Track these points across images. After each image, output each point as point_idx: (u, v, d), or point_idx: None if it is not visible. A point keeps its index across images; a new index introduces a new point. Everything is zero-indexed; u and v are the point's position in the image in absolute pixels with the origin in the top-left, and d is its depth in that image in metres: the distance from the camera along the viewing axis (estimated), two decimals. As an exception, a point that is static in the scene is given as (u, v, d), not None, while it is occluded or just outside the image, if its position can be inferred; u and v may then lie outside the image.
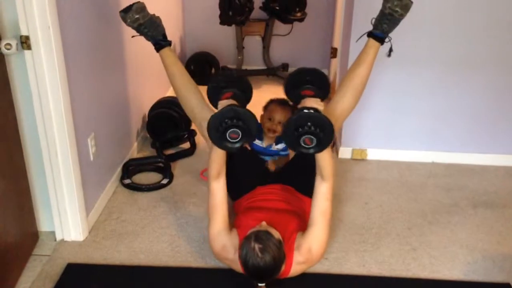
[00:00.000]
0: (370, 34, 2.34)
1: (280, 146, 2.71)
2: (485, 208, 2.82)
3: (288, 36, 4.93)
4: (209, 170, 2.23)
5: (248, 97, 2.37)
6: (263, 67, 5.01)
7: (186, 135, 3.43)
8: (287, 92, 2.38)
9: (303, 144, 1.98)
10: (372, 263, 2.35)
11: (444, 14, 3.01)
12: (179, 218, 2.66)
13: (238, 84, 2.33)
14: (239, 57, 4.97)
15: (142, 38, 2.45)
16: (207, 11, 4.85)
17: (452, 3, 2.98)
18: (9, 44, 1.99)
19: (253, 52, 5.07)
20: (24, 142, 2.26)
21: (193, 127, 3.41)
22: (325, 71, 4.71)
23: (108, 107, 2.82)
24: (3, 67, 2.06)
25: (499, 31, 3.01)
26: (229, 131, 2.00)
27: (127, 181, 2.95)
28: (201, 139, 3.02)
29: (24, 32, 2.04)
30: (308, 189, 2.22)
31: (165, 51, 2.45)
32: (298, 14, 4.53)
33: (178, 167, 3.21)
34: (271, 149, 2.65)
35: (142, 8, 2.35)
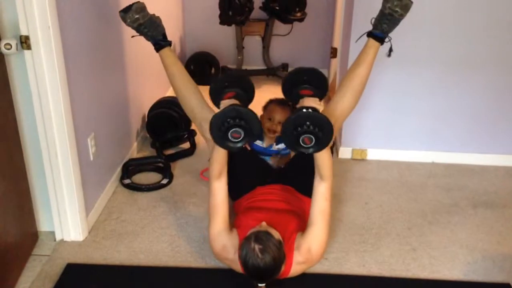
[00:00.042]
0: (370, 34, 2.34)
1: (281, 146, 2.71)
2: (485, 208, 2.82)
3: (288, 36, 4.93)
4: (210, 169, 2.23)
5: (250, 97, 2.37)
6: (263, 67, 5.01)
7: (186, 135, 3.43)
8: (285, 92, 2.38)
9: (302, 144, 1.98)
10: (372, 263, 2.35)
11: (444, 14, 3.01)
12: (179, 218, 2.66)
13: (241, 83, 2.32)
14: (239, 57, 4.97)
15: (142, 38, 2.45)
16: (207, 11, 4.85)
17: (452, 3, 2.98)
18: (9, 44, 1.99)
19: (253, 52, 5.07)
20: (24, 142, 2.26)
21: (193, 127, 3.41)
22: (325, 71, 4.72)
23: (108, 107, 2.82)
24: (3, 67, 2.06)
25: (499, 31, 3.01)
26: (231, 131, 2.00)
27: (127, 181, 2.95)
28: (201, 139, 3.03)
29: (24, 32, 2.04)
30: (308, 189, 2.22)
31: (165, 51, 2.45)
32: (298, 14, 4.53)
33: (178, 167, 3.21)
34: (271, 149, 2.65)
35: (142, 8, 2.35)
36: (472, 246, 2.49)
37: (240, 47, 4.94)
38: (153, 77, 3.78)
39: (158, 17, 2.44)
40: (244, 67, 5.00)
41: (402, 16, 2.25)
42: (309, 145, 1.99)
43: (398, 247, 2.47)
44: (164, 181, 2.98)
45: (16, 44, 2.02)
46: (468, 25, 3.02)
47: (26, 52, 2.08)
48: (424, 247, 2.47)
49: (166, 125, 3.44)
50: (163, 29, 2.47)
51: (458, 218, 2.72)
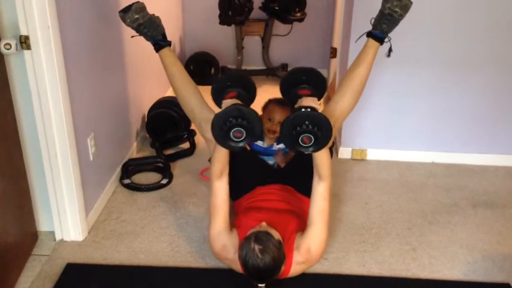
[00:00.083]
0: (369, 34, 2.34)
1: (282, 145, 2.71)
2: (485, 208, 2.82)
3: (288, 36, 4.93)
4: (212, 169, 2.23)
5: (252, 97, 2.36)
6: (262, 67, 5.01)
7: (186, 135, 3.43)
8: (283, 92, 2.38)
9: (301, 143, 1.98)
10: (372, 263, 2.35)
11: (443, 14, 3.01)
12: (179, 218, 2.66)
13: (243, 83, 2.32)
14: (239, 57, 4.97)
15: (141, 38, 2.45)
16: (207, 11, 4.85)
17: (451, 3, 2.98)
18: (8, 44, 1.99)
19: (253, 52, 5.07)
20: (23, 142, 2.26)
21: (192, 127, 3.41)
22: (324, 71, 4.72)
23: (108, 107, 2.82)
24: (2, 67, 2.06)
25: (499, 31, 3.01)
26: (233, 130, 2.00)
27: (126, 181, 2.95)
28: (201, 139, 3.02)
29: (23, 32, 2.04)
30: (307, 189, 2.22)
31: (165, 51, 2.45)
32: (298, 14, 4.53)
33: (178, 167, 3.21)
34: (272, 149, 2.65)
35: (141, 8, 2.35)
36: (472, 246, 2.49)
37: (239, 47, 4.94)
38: (153, 77, 3.78)
39: (157, 17, 2.44)
40: (243, 67, 5.00)
41: (401, 16, 2.25)
42: (308, 145, 1.99)
43: (398, 247, 2.47)
44: (164, 181, 2.98)
45: (16, 44, 2.02)
46: (468, 25, 3.02)
47: (26, 52, 2.07)
48: (424, 247, 2.47)
49: (166, 125, 3.44)
50: (163, 29, 2.47)
51: (458, 218, 2.72)
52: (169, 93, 4.10)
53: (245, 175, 2.47)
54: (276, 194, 2.42)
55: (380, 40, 2.32)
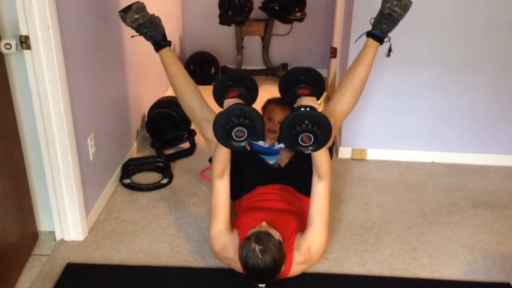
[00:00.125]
0: (369, 34, 2.34)
1: (283, 145, 2.71)
2: (485, 208, 2.82)
3: (288, 36, 4.93)
4: (213, 169, 2.22)
5: (254, 97, 2.36)
6: (262, 67, 5.01)
7: (186, 135, 3.43)
8: (282, 91, 2.38)
9: (301, 143, 1.98)
10: (372, 263, 2.35)
11: (443, 14, 3.01)
12: (179, 218, 2.66)
13: (244, 83, 2.31)
14: (239, 57, 4.97)
15: (141, 38, 2.45)
16: (207, 11, 4.85)
17: (451, 3, 2.98)
18: (8, 44, 1.99)
19: (253, 52, 5.07)
20: (23, 142, 2.26)
21: (192, 127, 3.41)
22: (324, 71, 4.72)
23: (108, 107, 2.82)
24: (2, 67, 2.06)
25: (498, 31, 3.02)
26: (235, 130, 2.00)
27: (126, 181, 2.95)
28: (201, 139, 3.02)
29: (23, 32, 2.04)
30: (308, 189, 2.22)
31: (165, 51, 2.45)
32: (298, 14, 4.53)
33: (178, 167, 3.21)
34: (274, 148, 2.64)
35: (141, 8, 2.35)
36: (472, 246, 2.49)
37: (239, 47, 4.94)
38: (153, 77, 3.78)
39: (157, 17, 2.44)
40: (243, 67, 5.00)
41: (401, 16, 2.25)
42: (308, 144, 1.99)
43: (398, 247, 2.47)
44: (164, 181, 2.98)
45: (16, 44, 2.02)
46: (468, 25, 3.02)
47: (26, 52, 2.08)
48: (424, 247, 2.47)
49: (166, 125, 3.44)
50: (163, 29, 2.47)
51: (458, 218, 2.72)
52: (169, 93, 4.10)
53: (245, 175, 2.47)
54: (276, 194, 2.42)
55: (380, 40, 2.32)
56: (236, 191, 2.47)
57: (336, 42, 4.21)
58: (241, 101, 2.15)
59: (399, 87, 3.19)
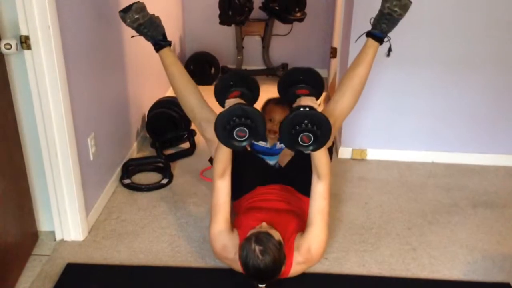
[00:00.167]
0: (369, 34, 2.34)
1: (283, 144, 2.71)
2: (485, 208, 2.82)
3: (288, 36, 4.93)
4: (214, 168, 2.22)
5: (255, 96, 2.36)
6: (262, 67, 5.01)
7: (186, 135, 3.43)
8: (281, 91, 2.38)
9: (301, 142, 1.98)
10: (372, 263, 2.36)
11: (443, 14, 3.01)
12: (179, 218, 2.66)
13: (246, 83, 2.31)
14: (239, 57, 4.97)
15: (142, 38, 2.45)
16: (207, 11, 4.85)
17: (451, 3, 2.98)
18: (9, 44, 1.99)
19: (253, 52, 5.07)
20: (24, 142, 2.26)
21: (193, 127, 3.41)
22: (324, 71, 4.73)
23: (108, 107, 2.83)
24: (3, 67, 2.06)
25: (498, 31, 3.02)
26: (236, 129, 2.00)
27: (127, 181, 2.96)
28: (201, 139, 3.02)
29: (24, 32, 2.04)
30: (308, 189, 2.22)
31: (165, 51, 2.45)
32: (298, 14, 4.53)
33: (178, 167, 3.21)
34: (276, 148, 2.64)
35: (141, 8, 2.35)
36: (472, 246, 2.49)
37: (240, 47, 4.94)
38: (153, 77, 3.78)
39: (158, 17, 2.45)
40: (243, 67, 5.00)
41: (401, 16, 2.25)
42: (308, 144, 1.99)
43: (398, 247, 2.47)
44: (164, 181, 2.98)
45: (16, 44, 2.02)
46: (467, 25, 3.02)
47: (26, 52, 2.08)
48: (424, 247, 2.47)
49: (166, 125, 3.44)
50: (163, 29, 2.47)
51: (458, 218, 2.72)
52: (169, 93, 4.10)
53: (246, 175, 2.47)
54: (276, 194, 2.42)
55: (380, 40, 2.32)
56: (236, 191, 2.47)
57: (336, 42, 4.21)
58: (242, 101, 2.15)
59: (399, 87, 3.19)
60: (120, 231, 2.54)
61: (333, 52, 4.29)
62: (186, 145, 3.45)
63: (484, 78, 3.13)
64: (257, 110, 2.05)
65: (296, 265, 2.14)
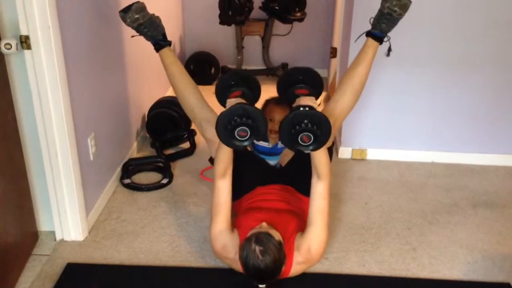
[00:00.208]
0: (368, 34, 2.34)
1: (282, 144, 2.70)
2: (485, 208, 2.82)
3: (288, 36, 4.93)
4: (215, 168, 2.22)
5: (256, 96, 2.35)
6: (262, 67, 5.01)
7: (186, 135, 3.43)
8: (280, 91, 2.38)
9: (301, 142, 1.98)
10: (372, 263, 2.36)
11: (443, 14, 3.01)
12: (179, 218, 2.66)
13: (247, 82, 2.31)
14: (239, 57, 4.97)
15: (142, 38, 2.45)
16: (207, 11, 4.85)
17: (451, 2, 2.98)
18: (9, 44, 1.99)
19: (253, 52, 5.07)
20: (24, 142, 2.26)
21: (193, 127, 3.41)
22: (325, 71, 4.73)
23: (108, 107, 2.83)
24: (3, 67, 2.06)
25: (498, 30, 3.02)
26: (237, 129, 2.00)
27: (127, 181, 2.96)
28: (201, 139, 3.03)
29: (24, 32, 2.04)
30: (308, 189, 2.22)
31: (165, 51, 2.45)
32: (298, 14, 4.53)
33: (178, 167, 3.21)
34: (278, 147, 2.64)
35: (142, 8, 2.35)
36: (472, 246, 2.49)
37: (240, 47, 4.94)
38: (153, 77, 3.78)
39: (158, 17, 2.45)
40: (243, 67, 5.00)
41: (400, 15, 2.25)
42: (308, 143, 1.99)
43: (398, 246, 2.47)
44: (164, 181, 2.98)
45: (16, 44, 2.02)
46: (467, 24, 3.02)
47: (26, 52, 2.08)
48: (424, 247, 2.47)
49: (166, 125, 3.44)
50: (163, 29, 2.47)
51: (458, 218, 2.72)
52: (169, 93, 4.10)
53: (246, 175, 2.47)
54: (276, 194, 2.42)
55: (380, 40, 2.32)
56: (237, 191, 2.47)
57: (336, 42, 4.21)
58: (243, 101, 2.15)
59: (398, 86, 3.19)
60: (120, 231, 2.54)
61: (333, 52, 4.29)
62: (186, 145, 3.45)
63: (483, 78, 3.13)
64: (258, 109, 2.05)
65: (296, 265, 2.14)
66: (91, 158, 2.56)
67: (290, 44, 5.02)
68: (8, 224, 2.14)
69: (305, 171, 2.24)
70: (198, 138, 3.36)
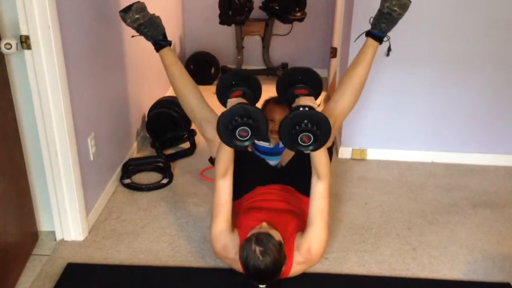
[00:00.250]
0: (368, 34, 2.34)
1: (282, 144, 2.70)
2: (485, 208, 2.82)
3: (288, 36, 4.93)
4: (216, 168, 2.22)
5: (257, 96, 2.35)
6: (262, 67, 5.01)
7: (186, 135, 3.43)
8: (279, 92, 2.38)
9: (300, 142, 1.98)
10: (372, 263, 2.36)
11: (442, 13, 3.01)
12: (179, 218, 2.66)
13: (248, 82, 2.31)
14: (239, 57, 4.97)
15: (142, 38, 2.45)
16: (207, 11, 4.85)
17: (450, 2, 2.98)
18: (9, 43, 1.99)
19: (253, 52, 5.07)
20: (24, 142, 2.26)
21: (193, 127, 3.41)
22: (325, 71, 4.73)
23: (108, 107, 2.83)
24: (3, 66, 2.06)
25: (498, 30, 3.02)
26: (239, 129, 2.00)
27: (127, 181, 2.96)
28: (201, 139, 3.03)
29: (24, 32, 2.04)
30: (308, 189, 2.22)
31: (165, 51, 2.45)
32: (298, 14, 4.53)
33: (178, 167, 3.21)
34: (279, 147, 2.64)
35: (142, 8, 2.35)
36: (472, 246, 2.49)
37: (240, 47, 4.94)
38: (153, 77, 3.78)
39: (158, 17, 2.45)
40: (244, 67, 5.00)
41: (400, 15, 2.25)
42: (307, 143, 1.99)
43: (398, 246, 2.47)
44: (164, 181, 2.98)
45: (16, 43, 2.02)
46: (467, 24, 3.02)
47: (26, 51, 2.08)
48: (424, 247, 2.47)
49: (166, 125, 3.44)
50: (163, 29, 2.47)
51: (458, 218, 2.72)
52: (169, 93, 4.10)
53: (246, 175, 2.47)
54: (276, 194, 2.42)
55: (379, 39, 2.32)
56: (237, 191, 2.47)
57: (336, 42, 4.21)
58: (244, 101, 2.15)
59: (398, 86, 3.19)
60: (120, 231, 2.54)
61: (333, 52, 4.29)
62: (186, 145, 3.45)
63: (483, 78, 3.13)
64: (259, 109, 2.05)
65: (296, 265, 2.14)
66: (91, 158, 2.56)
67: (290, 44, 5.02)
68: (8, 224, 2.14)
69: (305, 171, 2.24)
70: (198, 138, 3.36)
